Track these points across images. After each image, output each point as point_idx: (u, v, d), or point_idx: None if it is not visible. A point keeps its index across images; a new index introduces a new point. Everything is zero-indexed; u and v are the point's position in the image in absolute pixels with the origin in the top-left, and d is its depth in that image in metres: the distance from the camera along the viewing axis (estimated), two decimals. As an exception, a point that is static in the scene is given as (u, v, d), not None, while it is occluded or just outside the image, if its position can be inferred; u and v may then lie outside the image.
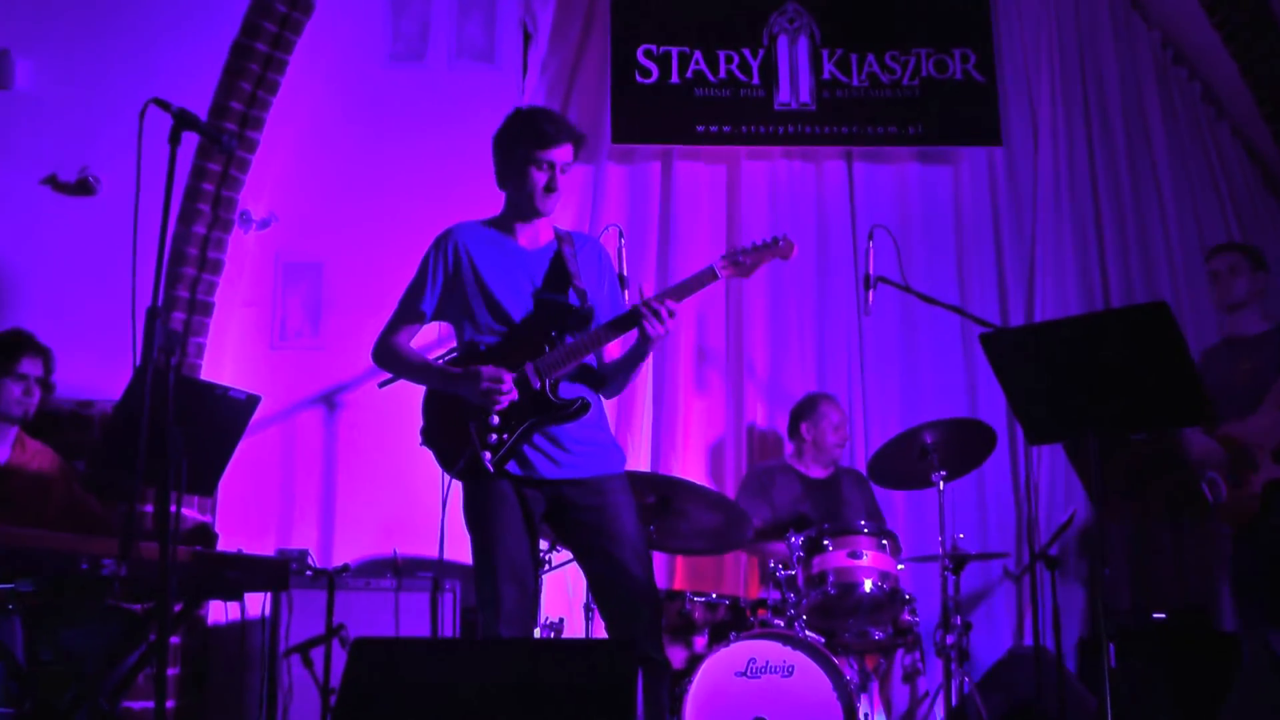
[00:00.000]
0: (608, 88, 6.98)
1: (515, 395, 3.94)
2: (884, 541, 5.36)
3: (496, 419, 3.95)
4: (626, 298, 4.98)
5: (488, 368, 3.93)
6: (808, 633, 5.07)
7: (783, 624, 5.19)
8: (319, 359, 6.60)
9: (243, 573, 4.35)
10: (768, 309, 6.95)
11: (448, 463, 4.04)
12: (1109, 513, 5.55)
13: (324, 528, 6.47)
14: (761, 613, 5.41)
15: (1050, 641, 5.41)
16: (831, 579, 5.22)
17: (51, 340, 5.13)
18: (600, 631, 4.31)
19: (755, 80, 7.07)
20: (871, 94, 7.10)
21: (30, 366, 4.90)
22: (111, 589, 3.85)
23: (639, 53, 7.01)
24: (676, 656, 5.21)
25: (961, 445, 5.69)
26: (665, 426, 6.77)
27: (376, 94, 6.90)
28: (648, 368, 6.74)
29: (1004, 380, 4.11)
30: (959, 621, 5.43)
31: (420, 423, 4.15)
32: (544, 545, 5.18)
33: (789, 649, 4.96)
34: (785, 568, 5.38)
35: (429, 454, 4.14)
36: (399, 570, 5.83)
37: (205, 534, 4.74)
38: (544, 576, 5.36)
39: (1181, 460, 5.19)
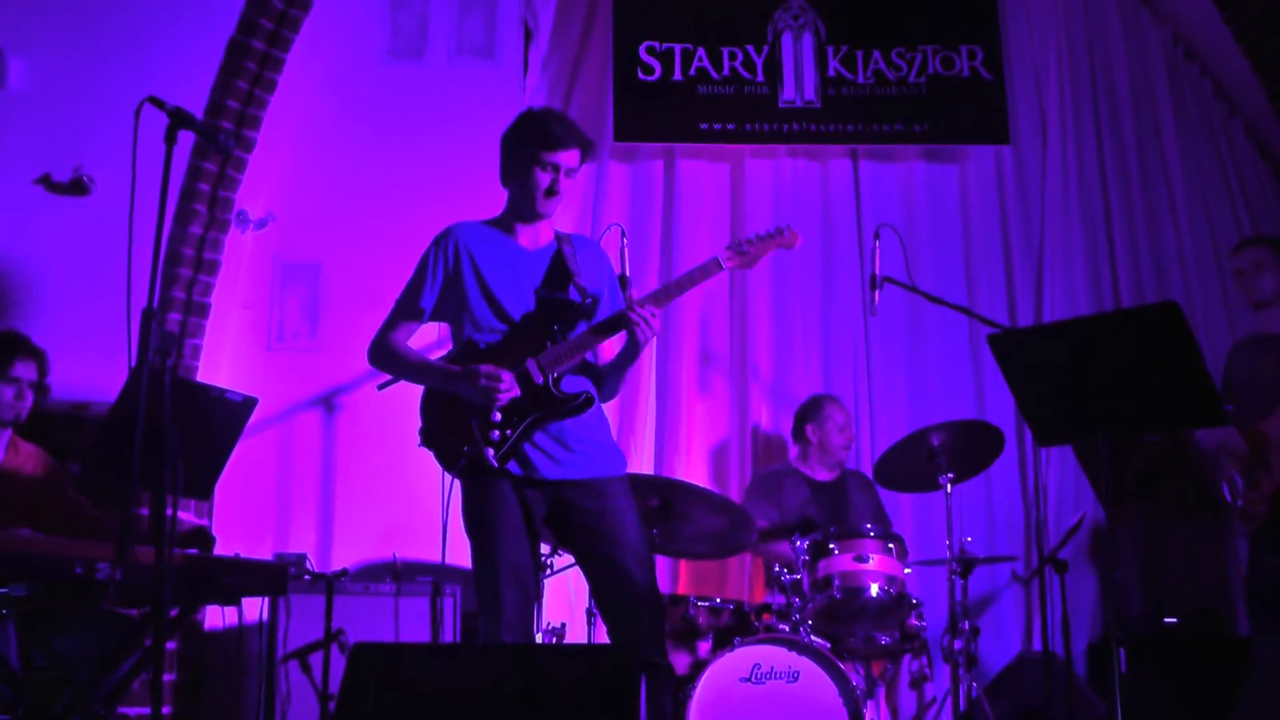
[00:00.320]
0: (610, 85, 6.94)
1: (516, 392, 3.94)
2: (890, 545, 5.32)
3: (499, 415, 3.93)
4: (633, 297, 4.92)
5: (486, 366, 3.92)
6: (813, 638, 5.03)
7: (788, 629, 5.15)
8: (317, 360, 6.57)
9: (240, 577, 4.34)
10: (772, 310, 6.90)
11: (449, 462, 4.04)
12: (1119, 515, 5.50)
13: (322, 531, 6.43)
14: (766, 617, 5.38)
15: (1059, 646, 5.44)
16: (837, 583, 5.19)
17: (45, 342, 5.10)
18: (602, 637, 4.28)
19: (759, 77, 7.02)
20: (877, 91, 7.05)
21: (24, 370, 4.87)
22: (106, 594, 3.83)
23: (641, 49, 6.96)
24: (680, 662, 5.18)
25: (969, 447, 5.65)
26: (668, 429, 6.74)
27: (375, 92, 6.86)
28: (650, 369, 6.74)
29: (1012, 381, 4.10)
30: (967, 626, 5.39)
31: (419, 424, 4.13)
32: (545, 549, 5.13)
33: (794, 654, 4.93)
34: (790, 571, 5.34)
35: (429, 456, 4.13)
36: (399, 574, 5.80)
37: (203, 537, 4.74)
38: (545, 581, 5.33)
39: (1194, 462, 5.16)
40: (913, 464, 5.67)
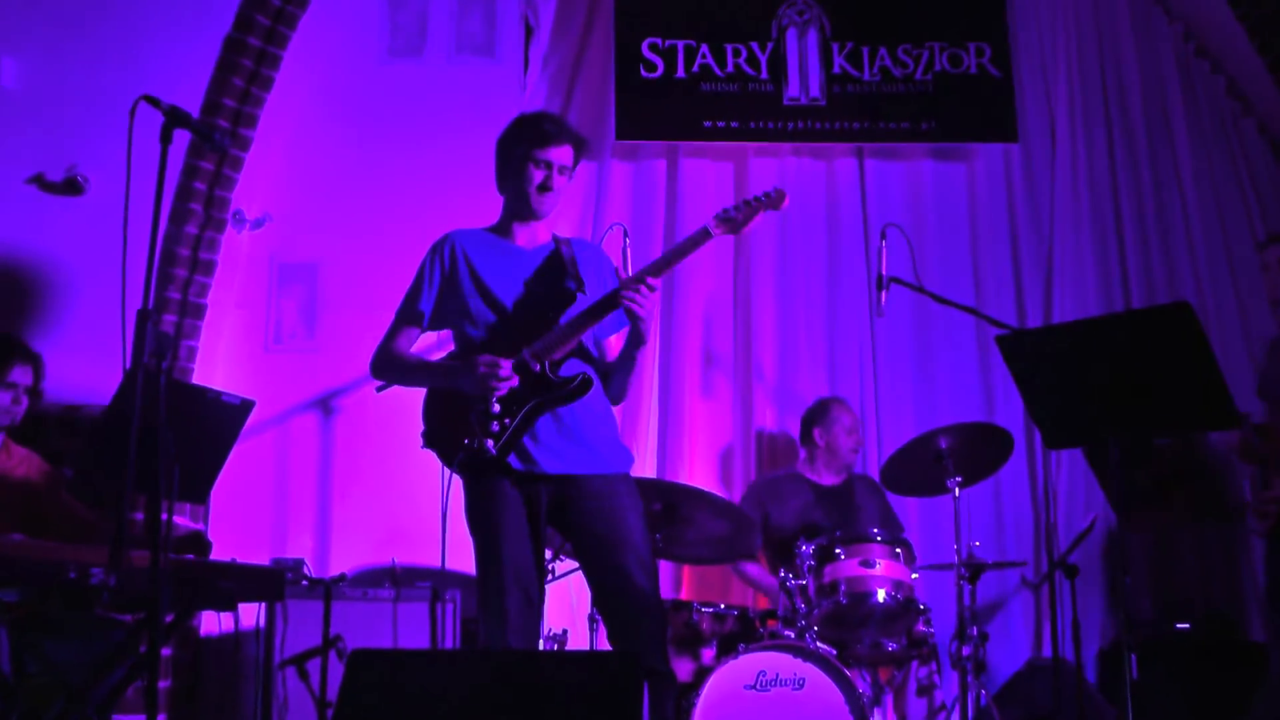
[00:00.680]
0: (611, 83, 6.88)
1: (515, 381, 3.92)
2: (898, 550, 5.27)
3: (498, 406, 3.93)
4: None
5: (483, 355, 3.92)
6: (819, 644, 4.99)
7: (793, 635, 5.11)
8: (314, 362, 6.54)
9: (236, 582, 4.33)
10: (777, 310, 6.85)
11: (450, 458, 4.03)
12: (1131, 520, 5.44)
13: (320, 536, 6.41)
14: (771, 624, 5.33)
15: (1070, 652, 5.38)
16: (843, 588, 5.14)
17: (38, 343, 5.12)
18: (605, 643, 4.23)
19: (764, 74, 6.96)
20: (883, 89, 6.98)
21: (20, 375, 4.88)
22: (100, 599, 3.82)
23: (644, 46, 6.90)
24: (683, 669, 5.15)
25: (977, 450, 5.60)
26: (671, 431, 6.69)
27: (373, 90, 6.83)
28: (653, 371, 6.71)
29: (1021, 383, 4.08)
30: (975, 632, 5.34)
31: (421, 427, 4.13)
32: (548, 554, 5.08)
33: (800, 661, 4.89)
34: (795, 576, 5.28)
35: (428, 459, 4.12)
36: (397, 580, 5.77)
37: (198, 542, 4.74)
38: (547, 586, 5.24)
39: (1207, 465, 5.13)
40: (920, 467, 5.62)
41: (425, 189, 6.60)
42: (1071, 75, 7.13)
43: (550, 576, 5.28)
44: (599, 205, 6.83)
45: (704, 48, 6.93)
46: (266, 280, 6.62)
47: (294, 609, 5.48)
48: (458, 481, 4.10)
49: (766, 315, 6.83)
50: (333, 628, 5.35)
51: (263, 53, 6.29)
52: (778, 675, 4.86)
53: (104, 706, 4.35)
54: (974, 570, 5.42)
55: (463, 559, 4.15)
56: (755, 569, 5.94)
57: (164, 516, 3.37)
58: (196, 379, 6.05)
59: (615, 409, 4.30)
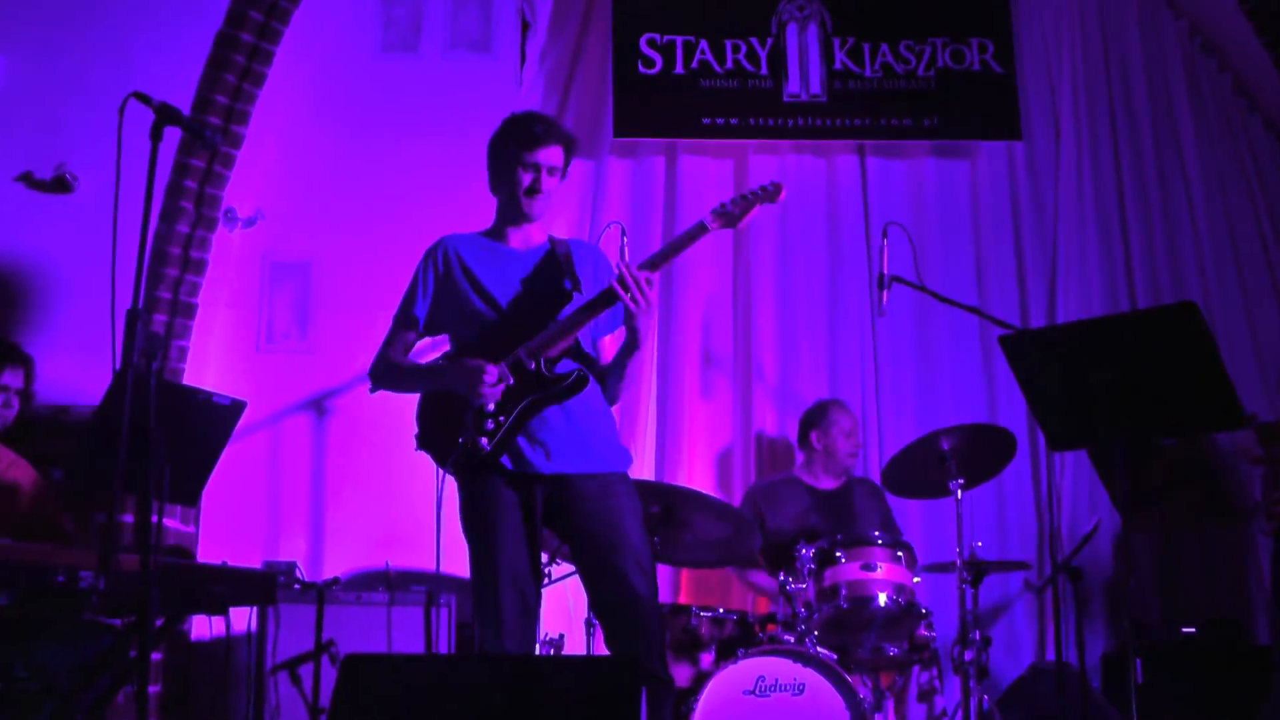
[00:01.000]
0: (609, 79, 6.84)
1: (498, 394, 3.91)
2: (899, 553, 5.24)
3: (492, 404, 3.91)
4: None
5: (473, 360, 3.91)
6: (819, 649, 4.95)
7: (793, 640, 5.07)
8: (307, 362, 6.52)
9: (228, 586, 4.27)
10: (777, 310, 6.82)
11: (443, 458, 4.01)
12: (1136, 522, 5.42)
13: (313, 539, 6.39)
14: (771, 628, 5.30)
15: (1074, 657, 5.46)
16: (844, 592, 5.11)
17: (27, 343, 5.11)
18: (602, 648, 4.23)
19: (763, 71, 6.92)
20: (885, 85, 6.94)
21: (11, 378, 4.84)
22: (89, 603, 3.77)
23: (642, 42, 6.86)
24: (682, 674, 5.11)
25: (980, 452, 5.56)
26: (670, 433, 6.67)
27: (367, 86, 6.81)
28: (651, 371, 6.69)
29: (1025, 384, 4.08)
30: (978, 636, 5.29)
31: (415, 429, 4.12)
32: (544, 557, 5.03)
33: (800, 666, 4.85)
34: (795, 580, 5.23)
35: (423, 461, 4.10)
36: (391, 583, 5.75)
37: (181, 555, 4.65)
38: (544, 590, 5.21)
39: (1213, 467, 5.10)
40: (922, 469, 5.59)
41: (420, 187, 6.58)
42: (1076, 72, 7.10)
43: (547, 580, 5.24)
44: (596, 203, 6.80)
45: (703, 43, 6.89)
46: (259, 279, 6.60)
47: (286, 613, 5.45)
48: (452, 484, 4.08)
49: (766, 315, 6.80)
50: (326, 632, 5.35)
51: (255, 48, 6.27)
52: (777, 680, 4.83)
53: (93, 712, 4.30)
54: (976, 571, 5.38)
55: (458, 563, 4.14)
56: (761, 576, 5.89)
57: (154, 519, 3.38)
58: (187, 379, 6.02)
59: (614, 410, 4.27)
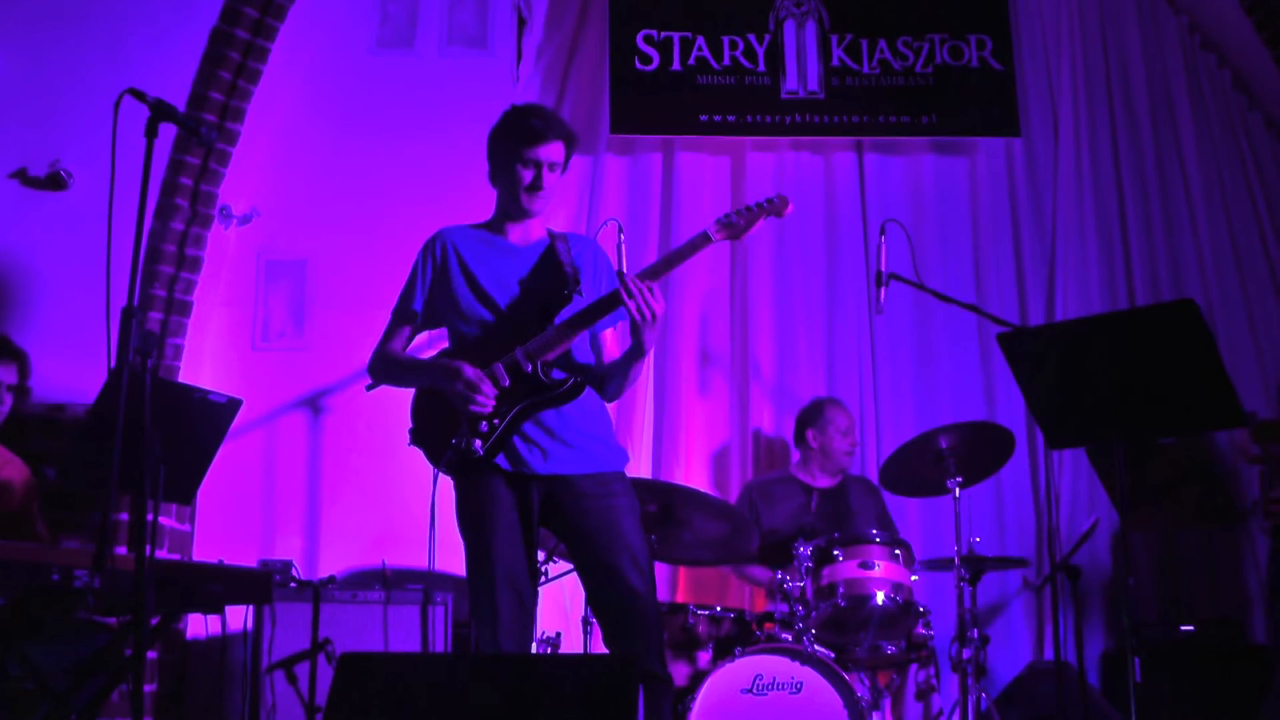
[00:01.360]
0: (606, 75, 6.82)
1: (489, 408, 3.88)
2: (897, 551, 5.23)
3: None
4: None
5: (470, 370, 3.88)
6: (817, 647, 4.95)
7: (790, 638, 5.07)
8: (303, 360, 6.50)
9: (223, 585, 4.28)
10: (774, 308, 6.80)
11: (436, 457, 4.00)
12: (1135, 521, 5.41)
13: (309, 537, 6.36)
14: (768, 626, 5.30)
15: (1072, 655, 5.45)
16: (842, 591, 5.10)
17: (21, 341, 5.08)
18: (599, 646, 4.22)
19: (761, 67, 6.89)
20: (883, 82, 6.92)
21: (4, 374, 4.84)
22: (84, 601, 3.72)
23: (639, 38, 6.84)
24: (679, 672, 5.12)
25: (978, 450, 5.54)
26: (667, 431, 6.65)
27: (363, 83, 6.79)
28: (648, 370, 6.66)
29: (1023, 382, 4.08)
30: (976, 635, 5.27)
31: (409, 425, 4.09)
32: (541, 555, 5.01)
33: (797, 664, 4.87)
34: (793, 578, 5.22)
35: (419, 460, 4.09)
36: (388, 582, 5.71)
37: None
38: (540, 588, 5.20)
39: (1213, 465, 5.09)
40: (920, 467, 5.57)
41: (416, 184, 6.56)
42: (1075, 68, 7.08)
43: (544, 578, 5.25)
44: (593, 200, 6.79)
45: (700, 40, 6.87)
46: (254, 277, 6.58)
47: (282, 612, 5.44)
48: (447, 482, 4.07)
49: (764, 313, 6.78)
50: (322, 631, 5.32)
51: (250, 45, 6.25)
52: (775, 679, 4.84)
53: (88, 711, 4.27)
54: (975, 571, 5.37)
55: (454, 561, 4.12)
56: (758, 569, 5.88)
57: (150, 518, 3.42)
58: (183, 377, 6.00)
59: (611, 408, 4.27)
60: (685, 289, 6.72)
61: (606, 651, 4.01)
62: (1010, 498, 6.62)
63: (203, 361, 6.31)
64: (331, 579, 5.70)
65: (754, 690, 4.82)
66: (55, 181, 5.94)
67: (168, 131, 3.71)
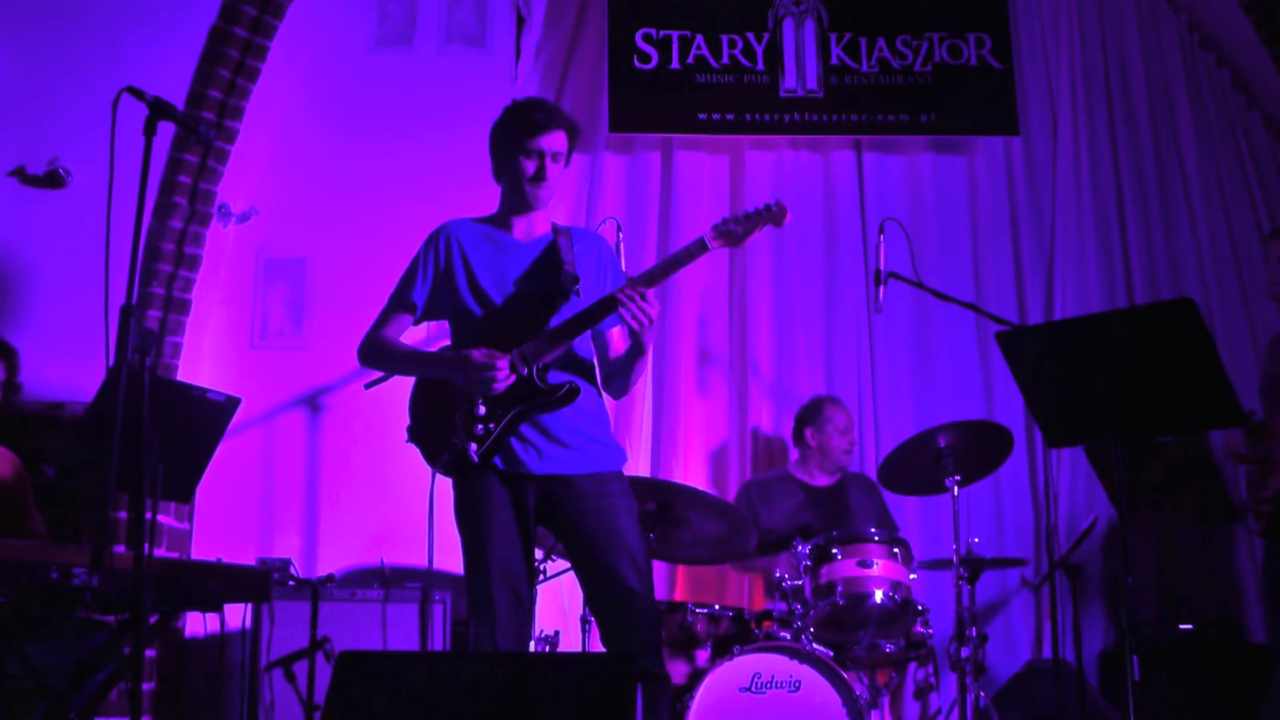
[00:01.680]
0: (605, 74, 6.81)
1: (511, 380, 3.88)
2: (895, 550, 5.23)
3: (483, 409, 3.88)
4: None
5: (479, 351, 3.87)
6: (815, 646, 4.95)
7: (789, 637, 5.07)
8: (301, 359, 6.49)
9: (222, 583, 4.32)
10: (773, 307, 6.79)
11: (432, 457, 4.00)
12: (1133, 519, 5.39)
13: (307, 536, 6.36)
14: (767, 625, 5.29)
15: (1071, 654, 5.42)
16: (840, 589, 5.10)
17: (20, 339, 5.08)
18: (597, 645, 4.21)
19: (760, 66, 6.88)
20: (882, 80, 6.91)
21: None
22: (83, 599, 3.81)
23: (638, 37, 6.83)
24: (678, 671, 5.12)
25: (977, 449, 5.53)
26: (666, 430, 6.63)
27: (362, 81, 6.78)
28: (647, 369, 6.53)
29: (1022, 381, 4.05)
30: (974, 633, 5.27)
31: (407, 422, 4.09)
32: (539, 554, 5.06)
33: (796, 663, 4.87)
34: (791, 577, 5.22)
35: (418, 458, 4.09)
36: (386, 580, 5.71)
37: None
38: (539, 587, 5.24)
39: (1211, 465, 5.08)
40: (919, 466, 5.55)
41: (415, 182, 6.56)
42: (1074, 66, 7.07)
43: (542, 577, 5.27)
44: (592, 198, 6.78)
45: (699, 38, 6.86)
46: (253, 275, 6.57)
47: (281, 610, 5.44)
48: (445, 481, 4.07)
49: (762, 311, 6.77)
50: (320, 629, 5.29)
51: (249, 43, 6.24)
52: (773, 677, 4.84)
53: (87, 710, 4.30)
54: (973, 568, 5.37)
55: (452, 560, 4.11)
56: (760, 560, 5.85)
57: (148, 516, 3.35)
58: (181, 376, 6.00)
59: (610, 407, 4.28)
60: (684, 288, 6.71)
61: (605, 650, 4.00)
62: (1009, 496, 6.61)
63: (201, 360, 6.30)
64: (330, 577, 5.68)
65: (752, 689, 4.82)
66: (54, 180, 5.93)
67: (166, 129, 3.69)
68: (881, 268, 5.53)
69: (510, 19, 6.89)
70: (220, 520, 6.25)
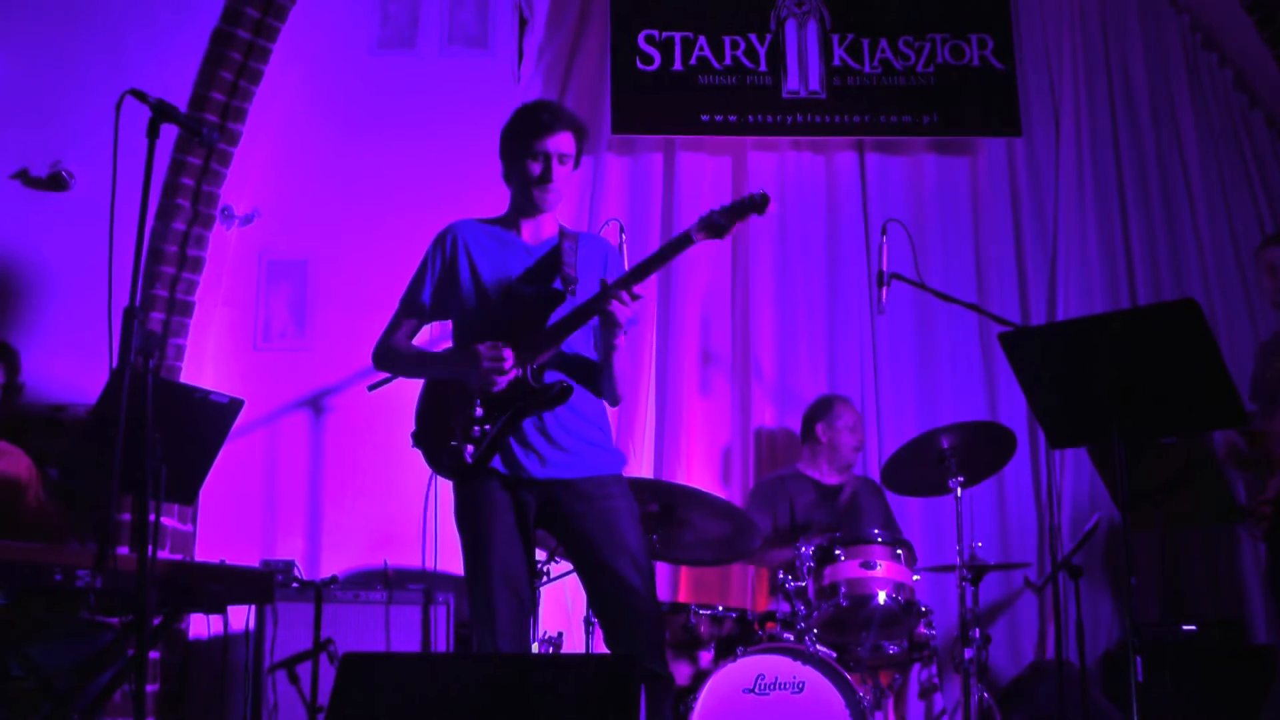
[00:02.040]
0: (607, 75, 6.80)
1: (518, 372, 3.87)
2: (899, 551, 5.24)
3: (480, 411, 3.89)
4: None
5: (485, 345, 3.86)
6: (819, 647, 4.96)
7: (792, 638, 5.07)
8: (304, 360, 6.49)
9: (225, 584, 4.30)
10: (775, 308, 6.78)
11: (435, 461, 4.02)
12: (1136, 520, 5.40)
13: (310, 537, 6.35)
14: (770, 626, 5.29)
15: (1074, 655, 5.34)
16: (844, 590, 5.11)
17: (23, 341, 5.15)
18: (601, 646, 4.20)
19: (762, 67, 6.88)
20: (884, 81, 6.90)
21: None
22: (86, 601, 3.80)
23: (640, 38, 6.82)
24: (681, 672, 5.12)
25: (980, 450, 5.53)
26: (668, 431, 6.63)
27: (364, 83, 6.77)
28: (650, 370, 6.67)
29: (1025, 382, 4.06)
30: (978, 635, 5.27)
31: (413, 426, 4.10)
32: (542, 555, 5.07)
33: (799, 664, 4.86)
34: (795, 578, 5.23)
35: (421, 460, 4.10)
36: (389, 582, 5.73)
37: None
38: (542, 588, 5.29)
39: (1214, 465, 5.08)
40: (922, 467, 5.56)
41: (417, 184, 6.54)
42: (1076, 67, 7.06)
43: (546, 578, 5.27)
44: (594, 200, 6.76)
45: (701, 40, 6.85)
46: (255, 277, 6.56)
47: (284, 611, 5.44)
48: (445, 483, 4.08)
49: (765, 313, 6.76)
50: (324, 631, 5.32)
51: (251, 45, 6.24)
52: (777, 678, 4.84)
53: (90, 711, 4.30)
54: (976, 572, 5.35)
55: (456, 561, 4.11)
56: (774, 551, 5.82)
57: (152, 518, 3.37)
58: (184, 378, 6.00)
59: (612, 408, 4.25)
60: (686, 288, 6.71)
61: (608, 652, 4.00)
62: (1012, 497, 6.60)
63: (204, 362, 6.30)
64: (333, 579, 5.69)
65: (756, 690, 4.82)
66: (57, 182, 5.95)
67: (169, 132, 3.73)
68: (884, 268, 5.52)
69: (512, 20, 6.88)
70: (224, 522, 6.24)
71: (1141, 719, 3.73)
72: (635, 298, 3.83)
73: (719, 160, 6.98)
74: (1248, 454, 4.91)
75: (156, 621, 4.37)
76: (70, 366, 5.60)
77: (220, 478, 5.26)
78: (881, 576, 5.11)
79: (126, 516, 5.56)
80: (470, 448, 3.88)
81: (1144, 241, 6.91)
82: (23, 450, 4.92)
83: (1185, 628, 5.92)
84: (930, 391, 6.70)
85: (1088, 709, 5.16)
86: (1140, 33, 7.09)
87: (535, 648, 4.88)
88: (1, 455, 4.83)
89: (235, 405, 4.71)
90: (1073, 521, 6.47)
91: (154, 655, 5.76)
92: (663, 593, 6.20)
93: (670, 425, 6.61)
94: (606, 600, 3.96)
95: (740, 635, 5.19)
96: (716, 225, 3.97)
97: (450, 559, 5.16)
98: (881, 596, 5.07)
